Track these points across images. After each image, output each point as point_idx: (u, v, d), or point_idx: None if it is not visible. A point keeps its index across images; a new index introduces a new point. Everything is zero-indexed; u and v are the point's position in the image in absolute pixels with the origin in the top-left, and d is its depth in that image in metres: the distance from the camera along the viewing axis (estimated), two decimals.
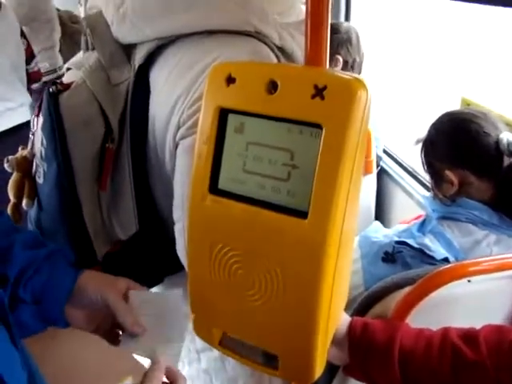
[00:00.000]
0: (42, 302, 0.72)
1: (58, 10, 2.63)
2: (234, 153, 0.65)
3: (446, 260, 1.02)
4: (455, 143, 1.14)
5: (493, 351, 0.70)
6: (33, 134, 1.03)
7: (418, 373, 0.73)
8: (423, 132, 1.25)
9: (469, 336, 0.73)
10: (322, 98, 0.58)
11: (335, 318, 0.73)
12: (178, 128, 0.80)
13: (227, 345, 0.75)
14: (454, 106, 1.48)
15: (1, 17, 2.13)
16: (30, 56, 2.35)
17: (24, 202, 1.05)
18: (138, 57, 0.85)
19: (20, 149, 1.09)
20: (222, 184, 0.66)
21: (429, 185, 1.82)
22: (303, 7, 0.90)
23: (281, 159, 0.62)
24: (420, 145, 1.24)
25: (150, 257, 1.00)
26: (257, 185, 0.64)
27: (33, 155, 1.03)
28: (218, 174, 0.67)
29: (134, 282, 0.77)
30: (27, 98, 2.27)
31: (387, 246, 1.09)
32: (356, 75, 0.61)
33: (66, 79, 0.94)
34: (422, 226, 1.14)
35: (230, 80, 0.64)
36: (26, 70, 2.34)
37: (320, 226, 0.60)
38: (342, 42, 1.92)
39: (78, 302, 0.73)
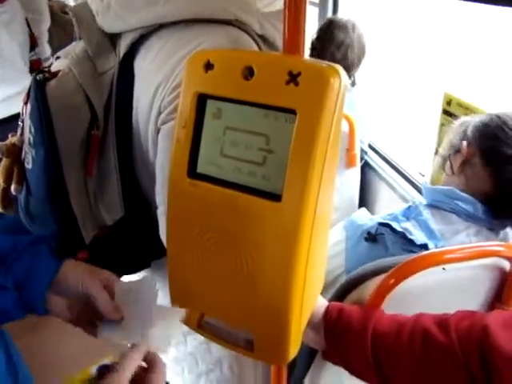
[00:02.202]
0: (23, 288, 0.73)
1: None
2: (212, 137, 0.67)
3: (424, 246, 1.04)
4: (492, 132, 1.16)
5: (462, 337, 0.71)
6: (22, 121, 1.04)
7: (389, 356, 0.75)
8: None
9: (441, 321, 0.75)
10: (296, 84, 0.60)
11: (310, 301, 0.75)
12: (159, 114, 0.82)
13: (205, 327, 0.77)
14: (437, 100, 1.51)
15: (9, 4, 2.14)
16: (32, 44, 2.35)
17: (13, 188, 1.07)
18: (123, 46, 0.87)
19: (10, 136, 1.11)
20: (201, 168, 0.68)
21: (412, 179, 1.86)
22: None
23: (257, 144, 0.64)
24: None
25: (136, 241, 1.02)
26: (234, 169, 0.66)
27: (22, 142, 1.04)
28: (196, 158, 0.68)
29: (116, 276, 0.78)
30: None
31: (371, 227, 1.12)
32: (331, 63, 0.63)
33: (54, 68, 0.96)
34: (407, 211, 1.17)
35: (209, 66, 0.65)
36: None
37: (293, 209, 0.62)
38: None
39: (60, 291, 0.74)
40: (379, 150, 2.06)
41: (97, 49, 0.90)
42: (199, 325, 0.77)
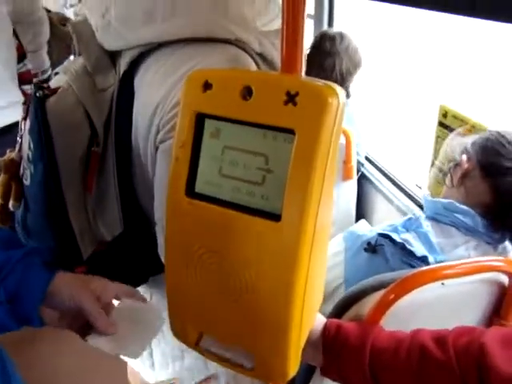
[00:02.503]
0: (16, 301, 0.72)
1: (48, 11, 2.61)
2: (211, 157, 0.67)
3: (424, 258, 1.05)
4: (492, 146, 1.17)
5: (460, 353, 0.71)
6: (20, 137, 1.05)
7: (386, 372, 0.75)
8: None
9: (439, 337, 0.74)
10: (295, 104, 0.60)
11: (309, 319, 0.75)
12: (158, 132, 0.83)
13: (204, 345, 0.76)
14: (433, 113, 1.51)
15: None
16: (20, 56, 2.35)
17: (11, 204, 1.07)
18: (123, 64, 0.88)
19: (8, 151, 1.11)
20: (199, 187, 0.68)
21: (409, 191, 1.86)
22: None
23: (255, 164, 0.64)
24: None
25: (134, 257, 1.02)
26: (232, 188, 0.66)
27: (20, 157, 1.05)
28: (194, 177, 0.68)
29: (108, 281, 0.78)
30: (19, 97, 2.27)
31: (371, 238, 1.13)
32: (329, 82, 0.63)
33: (53, 84, 0.96)
34: (408, 222, 1.17)
35: (207, 86, 0.65)
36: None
37: (293, 229, 0.62)
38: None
39: (52, 304, 0.74)
40: (376, 162, 2.06)
41: (96, 65, 0.90)
42: (197, 343, 0.77)
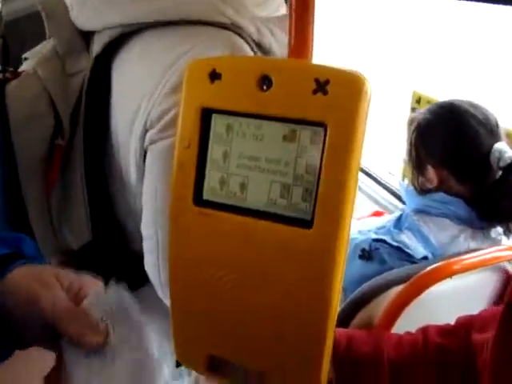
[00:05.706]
0: None
1: None
2: (221, 158, 0.58)
3: (425, 258, 1.00)
4: (448, 143, 1.13)
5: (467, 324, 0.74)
6: None
7: (406, 379, 0.73)
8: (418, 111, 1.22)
9: (445, 330, 0.75)
10: (325, 93, 0.52)
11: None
12: (146, 131, 0.71)
13: (217, 369, 0.68)
14: (405, 99, 1.48)
15: None
16: None
17: None
18: (97, 45, 0.76)
19: None
20: (211, 194, 0.59)
21: (378, 178, 1.84)
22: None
23: (277, 163, 0.56)
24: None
25: (106, 270, 0.91)
26: (252, 193, 0.58)
27: None
28: (202, 182, 0.59)
29: (62, 270, 0.66)
30: None
31: (364, 243, 1.08)
32: (355, 69, 0.56)
33: (21, 69, 0.85)
34: (399, 221, 1.12)
35: (215, 76, 0.56)
36: None
37: (328, 235, 0.54)
38: None
39: (6, 305, 0.60)
40: None
41: (67, 46, 0.78)
42: (208, 367, 0.68)
